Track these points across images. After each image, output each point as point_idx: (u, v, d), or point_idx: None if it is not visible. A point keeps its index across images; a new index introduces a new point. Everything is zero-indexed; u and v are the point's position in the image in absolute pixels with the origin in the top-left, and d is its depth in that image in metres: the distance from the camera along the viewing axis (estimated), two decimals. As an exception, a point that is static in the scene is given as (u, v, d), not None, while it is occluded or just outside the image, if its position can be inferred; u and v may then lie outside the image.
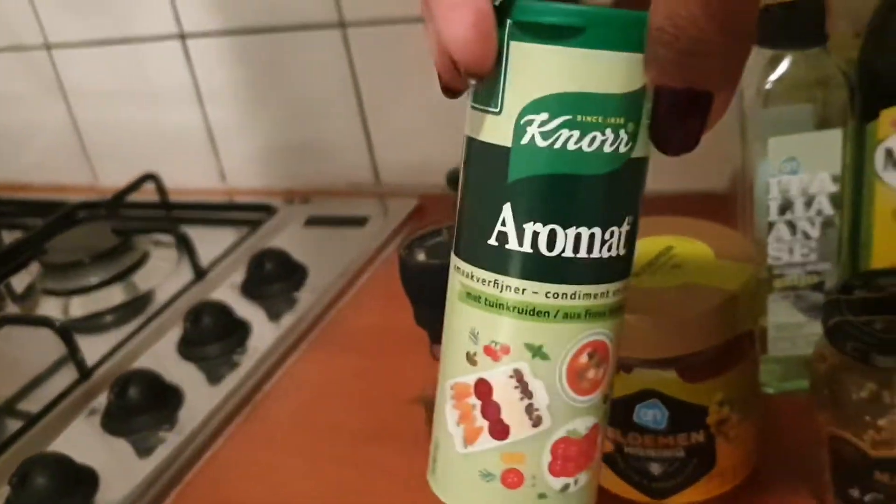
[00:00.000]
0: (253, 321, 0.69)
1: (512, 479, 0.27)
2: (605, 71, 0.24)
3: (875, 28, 0.46)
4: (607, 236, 0.25)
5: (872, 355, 0.39)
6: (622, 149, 0.24)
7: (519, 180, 0.25)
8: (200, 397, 0.62)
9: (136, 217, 0.92)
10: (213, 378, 0.64)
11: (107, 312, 0.78)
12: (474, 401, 0.26)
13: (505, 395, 0.26)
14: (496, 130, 0.25)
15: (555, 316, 0.25)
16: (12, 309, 0.83)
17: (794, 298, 0.51)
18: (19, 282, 0.86)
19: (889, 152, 0.47)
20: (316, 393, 0.62)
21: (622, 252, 0.26)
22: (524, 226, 0.25)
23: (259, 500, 0.53)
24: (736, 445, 0.45)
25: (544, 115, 0.24)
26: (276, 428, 0.59)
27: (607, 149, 0.24)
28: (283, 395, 0.63)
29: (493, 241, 0.25)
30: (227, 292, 0.74)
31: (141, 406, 0.60)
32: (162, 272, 0.82)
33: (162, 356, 0.67)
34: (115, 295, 0.79)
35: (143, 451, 0.58)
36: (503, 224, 0.25)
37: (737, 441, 0.45)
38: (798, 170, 0.47)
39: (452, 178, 0.82)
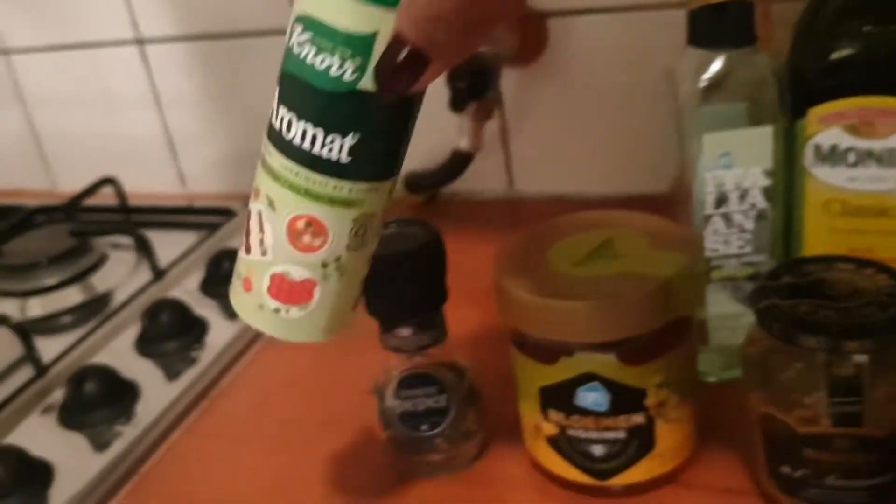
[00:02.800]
0: (210, 319, 0.70)
1: (247, 285, 0.37)
2: (336, 8, 0.30)
3: (801, 29, 0.49)
4: (328, 140, 0.32)
5: (798, 336, 0.41)
6: (347, 77, 0.31)
7: (283, 72, 0.33)
8: (157, 392, 0.63)
9: (95, 220, 0.92)
10: (171, 374, 0.65)
11: (64, 313, 0.78)
12: (246, 222, 0.37)
13: (253, 225, 0.36)
14: (288, 33, 0.33)
15: (283, 183, 0.34)
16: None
17: (732, 289, 0.53)
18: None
19: (817, 148, 0.49)
20: (272, 387, 0.63)
21: (344, 160, 0.33)
22: (279, 108, 0.33)
23: (214, 492, 0.54)
24: (675, 427, 0.47)
25: (299, 28, 0.32)
26: (232, 422, 0.60)
27: (333, 72, 0.31)
28: (240, 390, 0.63)
29: (271, 118, 0.34)
30: (185, 292, 0.75)
31: (97, 400, 0.61)
32: (120, 273, 0.82)
33: (119, 353, 0.68)
34: (72, 296, 0.80)
35: (99, 445, 0.59)
36: (275, 103, 0.34)
37: (676, 423, 0.47)
38: (732, 164, 0.49)
39: (409, 182, 0.83)
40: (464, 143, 0.74)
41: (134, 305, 0.75)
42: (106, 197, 0.94)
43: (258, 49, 0.89)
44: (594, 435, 0.46)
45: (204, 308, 0.72)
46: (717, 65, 0.48)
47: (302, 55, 0.32)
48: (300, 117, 0.33)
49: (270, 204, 0.35)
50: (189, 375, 0.64)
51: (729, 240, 0.51)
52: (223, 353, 0.66)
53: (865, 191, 0.48)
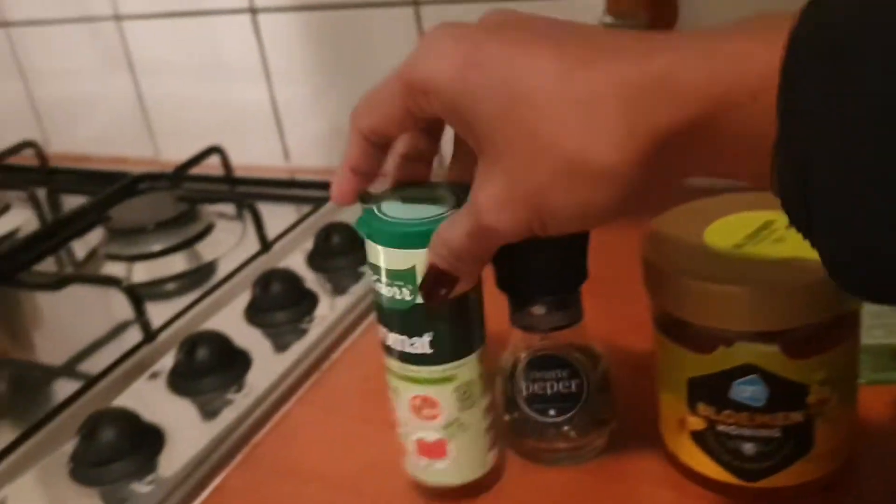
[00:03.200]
0: (320, 292, 0.68)
1: (403, 449, 0.47)
2: (383, 256, 0.41)
3: None
4: (412, 342, 0.43)
5: None
6: (407, 297, 0.41)
7: (374, 301, 0.44)
8: (267, 363, 0.61)
9: (199, 191, 0.92)
10: (281, 345, 0.63)
11: (170, 279, 0.77)
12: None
13: (392, 403, 0.46)
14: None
15: (396, 376, 0.45)
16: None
17: None
18: (81, 248, 0.86)
19: None
20: (382, 362, 0.61)
21: (427, 351, 0.43)
22: (379, 325, 0.44)
23: (325, 464, 0.52)
24: (834, 428, 0.43)
25: (370, 272, 0.42)
26: (342, 395, 0.58)
27: (398, 296, 0.41)
28: (351, 364, 0.61)
29: (379, 331, 0.44)
30: (293, 264, 0.74)
31: (209, 367, 0.59)
32: (226, 243, 0.81)
33: (229, 321, 0.66)
34: (178, 263, 0.79)
35: (210, 412, 0.57)
36: (376, 321, 0.44)
37: (836, 424, 0.43)
38: None
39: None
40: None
41: (242, 275, 0.73)
42: (208, 167, 0.93)
43: (369, 20, 0.87)
44: (747, 432, 0.42)
45: (311, 281, 0.70)
46: None
47: (378, 290, 0.42)
48: (391, 330, 0.43)
49: (395, 391, 0.45)
50: (300, 347, 0.62)
51: None
52: (334, 327, 0.64)
53: None
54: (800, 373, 0.41)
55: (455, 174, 0.43)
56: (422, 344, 0.42)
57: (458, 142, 0.42)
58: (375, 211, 0.41)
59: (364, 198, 0.42)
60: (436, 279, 0.40)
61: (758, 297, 0.39)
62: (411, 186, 0.43)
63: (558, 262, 0.45)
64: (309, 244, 0.75)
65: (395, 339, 0.43)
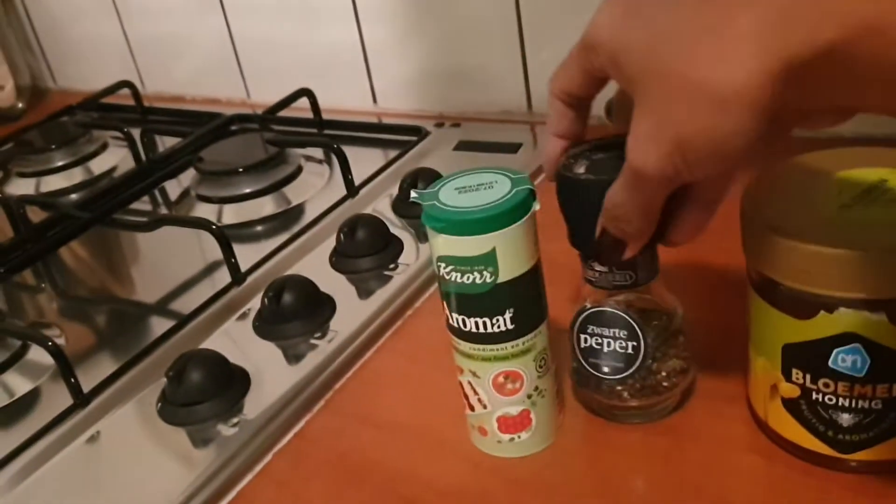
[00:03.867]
0: (404, 239, 0.68)
1: (483, 431, 0.48)
2: (460, 245, 0.42)
3: None
4: (493, 321, 0.44)
5: None
6: (488, 280, 0.43)
7: (444, 292, 0.45)
8: (352, 309, 0.61)
9: (289, 131, 0.92)
10: (365, 291, 0.63)
11: (258, 222, 0.78)
12: (461, 390, 0.48)
13: (468, 391, 0.47)
14: (434, 265, 0.45)
15: (476, 358, 0.45)
16: (166, 213, 0.85)
17: None
18: (173, 188, 0.88)
19: None
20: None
21: (510, 327, 0.44)
22: (452, 314, 0.45)
23: (405, 413, 0.52)
24: None
25: (442, 264, 0.43)
26: (425, 344, 0.58)
27: (478, 281, 0.43)
28: (433, 313, 0.60)
29: (449, 321, 0.46)
30: (379, 210, 0.74)
31: (295, 312, 0.60)
32: (314, 187, 0.82)
33: (314, 266, 0.67)
34: (266, 205, 0.80)
35: (294, 357, 0.58)
36: (447, 312, 0.45)
37: None
38: None
39: (611, 109, 0.78)
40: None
41: (328, 220, 0.74)
42: (298, 110, 0.93)
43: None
44: (845, 402, 0.40)
45: (396, 227, 0.70)
46: None
47: (453, 279, 0.43)
48: (470, 315, 0.44)
49: (474, 374, 0.46)
50: (383, 294, 0.62)
51: None
52: (418, 274, 0.64)
53: None
54: None
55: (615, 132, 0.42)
56: (504, 321, 0.44)
57: (620, 99, 0.41)
58: (438, 204, 0.43)
59: (420, 196, 0.44)
60: (609, 245, 0.41)
61: (865, 262, 0.37)
62: (460, 176, 0.45)
63: None
64: (395, 189, 0.75)
65: (475, 323, 0.44)
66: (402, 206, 0.73)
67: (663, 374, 0.47)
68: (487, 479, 0.47)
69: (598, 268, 0.45)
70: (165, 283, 0.72)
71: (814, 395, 0.41)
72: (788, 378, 0.42)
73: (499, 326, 0.44)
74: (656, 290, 0.46)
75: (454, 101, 0.93)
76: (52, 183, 0.96)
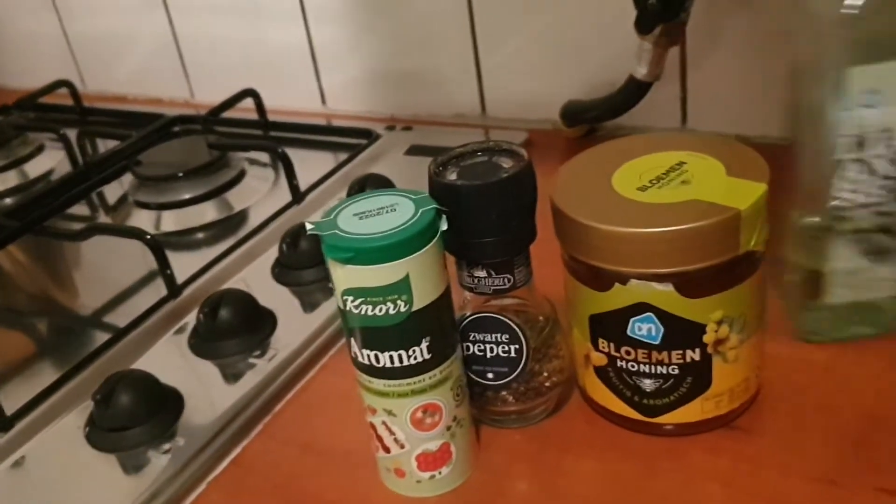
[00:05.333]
0: (351, 249, 0.65)
1: (400, 473, 0.45)
2: (371, 275, 0.39)
3: None
4: (410, 353, 0.41)
5: None
6: (402, 310, 0.40)
7: (351, 328, 0.41)
8: (294, 324, 0.58)
9: (233, 134, 0.88)
10: (308, 305, 0.60)
11: (199, 229, 0.75)
12: (373, 432, 0.44)
13: (382, 432, 0.44)
14: (337, 300, 0.41)
15: (391, 395, 0.42)
16: (104, 219, 0.81)
17: (859, 242, 0.46)
18: (112, 192, 0.84)
19: None
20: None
21: (427, 357, 0.41)
22: (362, 350, 0.41)
23: (348, 437, 0.49)
24: (734, 368, 0.43)
25: (349, 297, 0.40)
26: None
27: (391, 312, 0.40)
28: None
29: (356, 358, 0.42)
30: (324, 217, 0.70)
31: (233, 328, 0.56)
32: (257, 192, 0.78)
33: (255, 278, 0.64)
34: (207, 212, 0.76)
35: (232, 376, 0.55)
36: (356, 349, 0.42)
37: (735, 364, 0.43)
38: (879, 103, 0.42)
39: (566, 113, 0.76)
40: (641, 71, 0.66)
41: (271, 228, 0.71)
42: (243, 111, 0.90)
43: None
44: (645, 368, 0.43)
45: (344, 236, 0.67)
46: None
47: (363, 312, 0.40)
48: (383, 350, 0.41)
49: (389, 413, 0.43)
50: (328, 308, 0.59)
51: (862, 189, 0.45)
52: (365, 287, 0.61)
53: None
54: (695, 312, 0.41)
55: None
56: (421, 351, 0.41)
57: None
58: (340, 233, 0.39)
59: (316, 226, 0.40)
60: None
61: (651, 240, 0.39)
62: (356, 201, 0.42)
63: (500, 225, 0.43)
64: (343, 196, 0.72)
65: (390, 357, 0.41)
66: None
67: (545, 374, 0.46)
68: (435, 510, 0.44)
69: (478, 273, 0.44)
70: (100, 295, 0.68)
71: (618, 363, 0.44)
72: (596, 347, 0.44)
73: (415, 358, 0.41)
74: (532, 292, 0.46)
75: (406, 103, 0.90)
76: (-16, 187, 0.91)
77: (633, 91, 0.68)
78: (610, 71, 0.71)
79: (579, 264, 0.43)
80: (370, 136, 0.84)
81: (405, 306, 0.40)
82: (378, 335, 0.40)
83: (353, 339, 0.42)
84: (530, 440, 0.47)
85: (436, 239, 0.40)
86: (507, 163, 0.43)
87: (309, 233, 0.40)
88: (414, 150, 0.80)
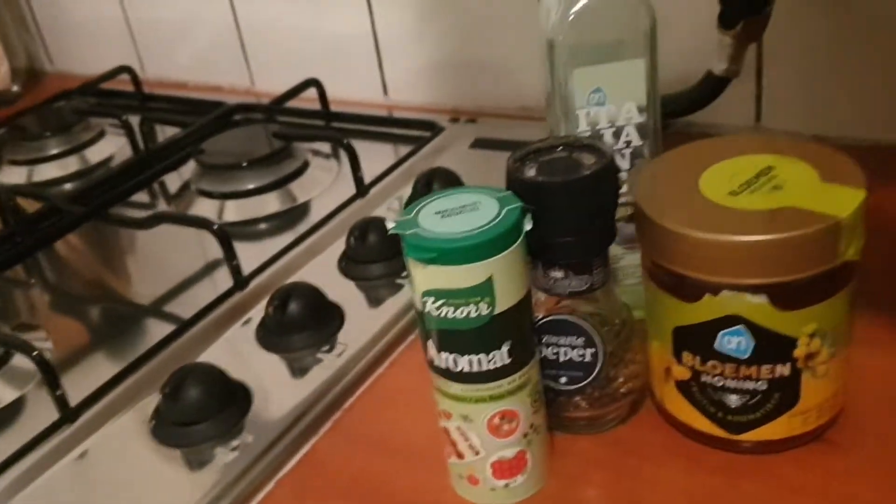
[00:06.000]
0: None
1: (473, 480, 0.43)
2: (454, 276, 0.37)
3: None
4: (490, 357, 0.39)
5: None
6: (484, 312, 0.38)
7: (429, 330, 0.40)
8: (362, 319, 0.57)
9: (294, 124, 0.88)
10: (375, 300, 0.59)
11: (262, 220, 0.74)
12: (447, 437, 0.43)
13: (456, 437, 0.42)
14: (416, 302, 0.40)
15: (469, 401, 0.41)
16: (164, 207, 0.80)
17: None
18: (172, 180, 0.83)
19: None
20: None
21: (507, 362, 0.40)
22: (440, 353, 0.40)
23: (421, 434, 0.48)
24: (823, 383, 0.41)
25: (430, 299, 0.38)
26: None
27: (472, 314, 0.38)
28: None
29: (433, 361, 0.41)
30: (391, 211, 0.69)
31: (301, 323, 0.55)
32: (321, 183, 0.77)
33: (322, 272, 0.63)
34: (271, 202, 0.76)
35: (300, 370, 0.54)
36: (433, 353, 0.40)
37: (825, 378, 0.41)
38: (605, 101, 0.46)
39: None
40: (721, 66, 0.64)
41: (336, 221, 0.70)
42: (305, 100, 0.89)
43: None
44: (732, 384, 0.41)
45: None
46: None
47: (443, 315, 0.38)
48: (462, 353, 0.39)
49: (465, 418, 0.41)
50: (396, 303, 0.58)
51: None
52: (433, 284, 0.60)
53: None
54: (788, 325, 0.39)
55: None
56: (501, 356, 0.40)
57: None
58: (422, 234, 0.38)
59: (397, 225, 0.39)
60: None
61: (745, 250, 0.38)
62: (437, 198, 0.41)
63: (580, 225, 0.41)
64: (407, 189, 0.71)
65: (468, 361, 0.39)
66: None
67: (620, 380, 0.45)
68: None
69: (554, 274, 0.42)
70: (164, 284, 0.68)
71: (703, 377, 0.42)
72: (680, 360, 0.42)
73: (495, 362, 0.39)
74: (609, 295, 0.44)
75: (470, 95, 0.88)
76: (46, 172, 0.91)
77: (711, 87, 0.65)
78: (680, 66, 0.69)
79: (665, 273, 0.41)
80: (434, 128, 0.83)
81: (487, 309, 0.38)
82: (458, 338, 0.39)
83: (430, 342, 0.40)
84: (604, 447, 0.46)
85: (520, 239, 0.39)
86: (588, 159, 0.42)
87: (390, 232, 0.39)
88: (479, 144, 0.79)
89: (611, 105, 0.47)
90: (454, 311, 0.38)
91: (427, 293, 0.39)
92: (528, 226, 0.39)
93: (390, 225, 0.39)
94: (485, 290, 0.38)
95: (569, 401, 0.45)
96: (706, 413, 0.43)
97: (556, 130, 0.49)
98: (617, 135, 0.48)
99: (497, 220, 0.38)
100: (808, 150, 0.43)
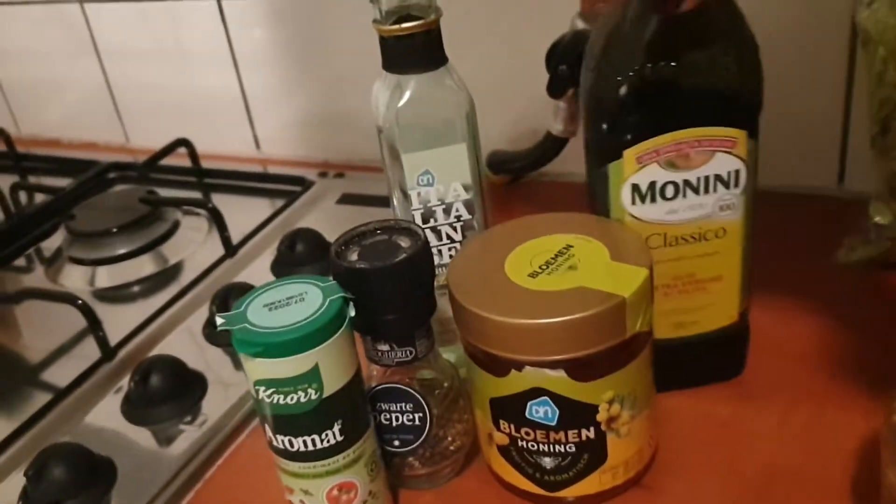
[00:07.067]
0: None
1: None
2: (281, 367, 0.41)
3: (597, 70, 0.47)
4: (323, 436, 0.43)
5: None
6: (313, 397, 0.41)
7: (264, 415, 0.43)
8: (225, 386, 0.60)
9: (168, 182, 0.90)
10: (241, 364, 0.62)
11: (134, 283, 0.76)
12: None
13: None
14: (250, 390, 0.43)
15: (307, 477, 0.44)
16: (39, 272, 0.81)
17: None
18: (48, 244, 0.84)
19: (636, 187, 0.47)
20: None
21: (340, 439, 0.43)
22: (276, 436, 0.43)
23: (277, 502, 0.51)
24: (627, 441, 0.45)
25: (261, 388, 0.42)
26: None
27: (303, 399, 0.41)
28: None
29: (272, 443, 0.44)
30: (256, 272, 0.72)
31: (163, 395, 0.58)
32: (192, 243, 0.80)
33: (188, 337, 0.65)
34: (143, 266, 0.78)
35: (165, 441, 0.56)
36: (271, 435, 0.44)
37: (628, 437, 0.45)
38: (433, 182, 0.50)
39: (492, 163, 0.78)
40: (558, 127, 0.69)
41: (204, 284, 0.72)
42: (180, 156, 0.91)
43: (340, 6, 0.84)
44: (545, 447, 0.45)
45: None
46: (411, 87, 0.49)
47: (275, 401, 0.42)
48: (297, 435, 0.43)
49: (306, 492, 0.45)
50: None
51: (441, 251, 0.52)
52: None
53: (684, 220, 0.48)
54: (587, 394, 0.43)
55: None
56: (333, 434, 0.43)
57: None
58: (249, 327, 0.41)
59: (227, 320, 0.42)
60: None
61: (542, 329, 0.42)
62: (265, 291, 0.44)
63: (399, 303, 0.45)
64: (274, 247, 0.73)
65: (303, 442, 0.43)
66: (281, 268, 0.72)
67: (449, 438, 0.49)
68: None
69: (381, 347, 0.46)
70: (34, 356, 0.69)
71: (519, 443, 0.46)
72: (498, 428, 0.46)
73: (329, 440, 0.43)
74: (436, 360, 0.49)
75: (338, 148, 0.92)
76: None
77: (551, 146, 0.70)
78: (532, 120, 0.73)
79: (477, 350, 0.45)
80: (304, 183, 0.86)
81: (316, 394, 0.41)
82: (291, 422, 0.42)
83: (266, 426, 0.43)
84: (443, 500, 0.49)
85: (343, 327, 0.42)
86: (405, 242, 0.45)
87: (220, 328, 0.42)
88: (345, 199, 0.82)
89: (439, 185, 0.51)
90: (284, 398, 0.41)
91: (258, 383, 0.42)
92: (351, 313, 0.43)
93: (220, 321, 0.42)
94: (312, 377, 0.41)
95: (403, 461, 0.48)
96: (525, 474, 0.47)
97: (393, 205, 0.53)
98: (447, 211, 0.52)
99: (320, 311, 0.41)
100: (603, 228, 0.47)
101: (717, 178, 0.47)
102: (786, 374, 0.53)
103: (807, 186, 0.71)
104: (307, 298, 0.42)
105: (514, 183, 0.80)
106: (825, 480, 0.46)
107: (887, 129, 0.56)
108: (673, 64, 0.44)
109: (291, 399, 0.41)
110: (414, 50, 0.48)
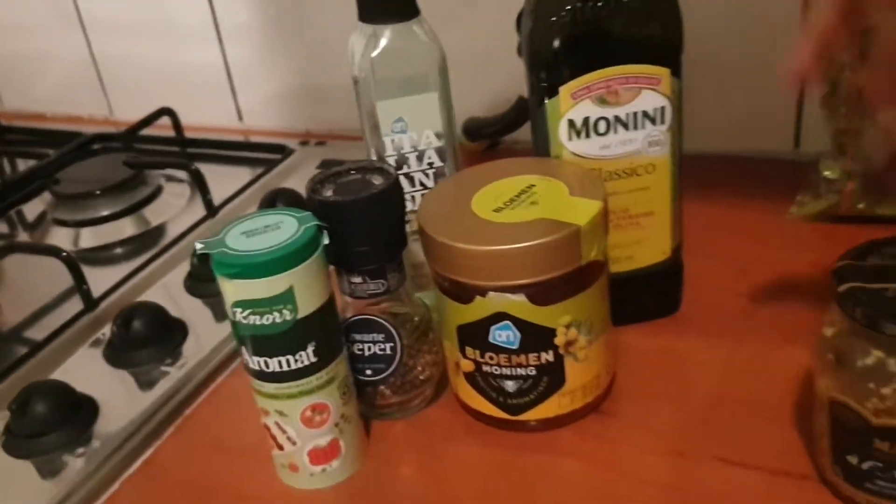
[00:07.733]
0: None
1: (294, 468, 0.49)
2: (257, 287, 0.43)
3: (532, 14, 0.50)
4: (297, 357, 0.45)
5: (882, 322, 0.38)
6: (287, 318, 0.44)
7: (241, 337, 0.45)
8: (205, 333, 0.62)
9: (151, 151, 0.92)
10: (220, 314, 0.64)
11: (116, 245, 0.78)
12: (268, 432, 0.48)
13: (275, 432, 0.48)
14: (228, 312, 0.45)
15: (282, 397, 0.46)
16: (23, 237, 0.83)
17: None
18: (31, 210, 0.86)
19: (571, 122, 0.50)
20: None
21: (313, 360, 0.45)
22: (252, 357, 0.45)
23: (253, 434, 0.53)
24: (585, 366, 0.48)
25: (238, 309, 0.44)
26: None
27: (278, 320, 0.43)
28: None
29: (248, 364, 0.46)
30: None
31: (144, 339, 0.60)
32: (174, 207, 0.82)
33: (169, 290, 0.67)
34: (125, 228, 0.79)
35: (145, 384, 0.58)
36: (247, 357, 0.46)
37: (585, 362, 0.48)
38: (407, 129, 0.53)
39: (468, 129, 0.81)
40: (529, 91, 0.71)
41: (186, 241, 0.74)
42: (163, 128, 0.93)
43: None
44: (507, 371, 0.48)
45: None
46: (385, 37, 0.51)
47: (251, 322, 0.44)
48: (272, 356, 0.45)
49: (280, 413, 0.47)
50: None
51: (414, 197, 0.55)
52: (272, 297, 0.65)
53: (616, 155, 0.51)
54: (546, 318, 0.46)
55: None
56: (307, 355, 0.45)
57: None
58: (227, 251, 0.43)
59: (206, 245, 0.44)
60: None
61: (504, 256, 0.45)
62: (244, 220, 0.46)
63: (367, 236, 0.48)
64: (255, 209, 0.75)
65: (278, 363, 0.45)
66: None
67: (419, 368, 0.51)
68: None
69: (354, 280, 0.49)
70: (19, 310, 0.71)
71: (484, 368, 0.48)
72: (465, 355, 0.49)
73: (302, 361, 0.45)
74: (407, 296, 0.51)
75: (321, 119, 0.94)
76: None
77: (524, 109, 0.72)
78: (513, 90, 0.76)
79: (444, 279, 0.48)
80: (284, 151, 0.88)
81: (290, 315, 0.44)
82: (266, 342, 0.44)
83: (243, 348, 0.46)
84: (413, 429, 0.52)
85: (317, 252, 0.44)
86: (377, 180, 0.48)
87: (199, 252, 0.44)
88: (326, 165, 0.84)
89: (412, 132, 0.53)
90: (260, 319, 0.44)
91: (235, 304, 0.44)
92: (324, 241, 0.45)
93: (199, 246, 0.44)
94: (286, 298, 0.43)
95: (375, 390, 0.51)
96: (490, 398, 0.49)
97: (369, 153, 0.55)
98: (420, 158, 0.54)
99: (295, 236, 0.44)
100: (565, 170, 0.50)
101: (645, 114, 0.50)
102: (734, 310, 0.57)
103: (764, 151, 0.74)
104: (283, 227, 0.45)
105: (490, 149, 0.82)
106: (767, 404, 0.49)
107: (835, 88, 0.59)
108: (600, 4, 0.48)
109: (267, 319, 0.43)
110: (388, 0, 0.51)
